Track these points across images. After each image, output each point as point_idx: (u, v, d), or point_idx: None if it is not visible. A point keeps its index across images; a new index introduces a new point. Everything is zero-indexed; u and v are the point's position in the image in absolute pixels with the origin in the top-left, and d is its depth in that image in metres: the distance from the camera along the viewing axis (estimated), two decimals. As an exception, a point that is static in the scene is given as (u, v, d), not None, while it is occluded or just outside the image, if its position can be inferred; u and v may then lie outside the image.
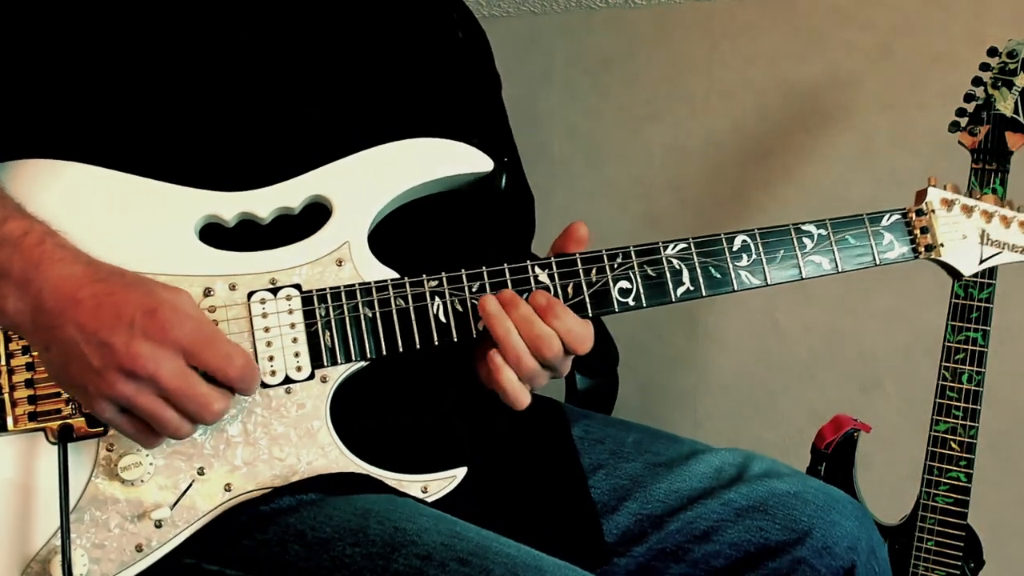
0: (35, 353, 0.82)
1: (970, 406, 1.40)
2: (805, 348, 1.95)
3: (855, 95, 1.85)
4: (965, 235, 1.00)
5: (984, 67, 1.37)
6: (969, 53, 1.45)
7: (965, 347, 1.40)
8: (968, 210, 1.00)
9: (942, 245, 0.99)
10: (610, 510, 1.01)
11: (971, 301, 1.39)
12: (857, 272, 1.95)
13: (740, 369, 2.02)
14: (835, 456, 1.52)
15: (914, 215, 0.99)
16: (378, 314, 0.87)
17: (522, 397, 0.88)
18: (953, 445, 1.41)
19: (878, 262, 0.98)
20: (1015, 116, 1.35)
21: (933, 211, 0.99)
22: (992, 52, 1.37)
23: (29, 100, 0.85)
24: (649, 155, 2.07)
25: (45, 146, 0.85)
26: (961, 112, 1.38)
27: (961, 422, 1.41)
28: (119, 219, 0.84)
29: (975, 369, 1.39)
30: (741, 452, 1.06)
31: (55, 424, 0.82)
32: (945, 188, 1.01)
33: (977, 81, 1.37)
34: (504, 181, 0.97)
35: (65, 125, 0.86)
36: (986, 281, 1.38)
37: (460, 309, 0.88)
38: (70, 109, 0.86)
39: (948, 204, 1.00)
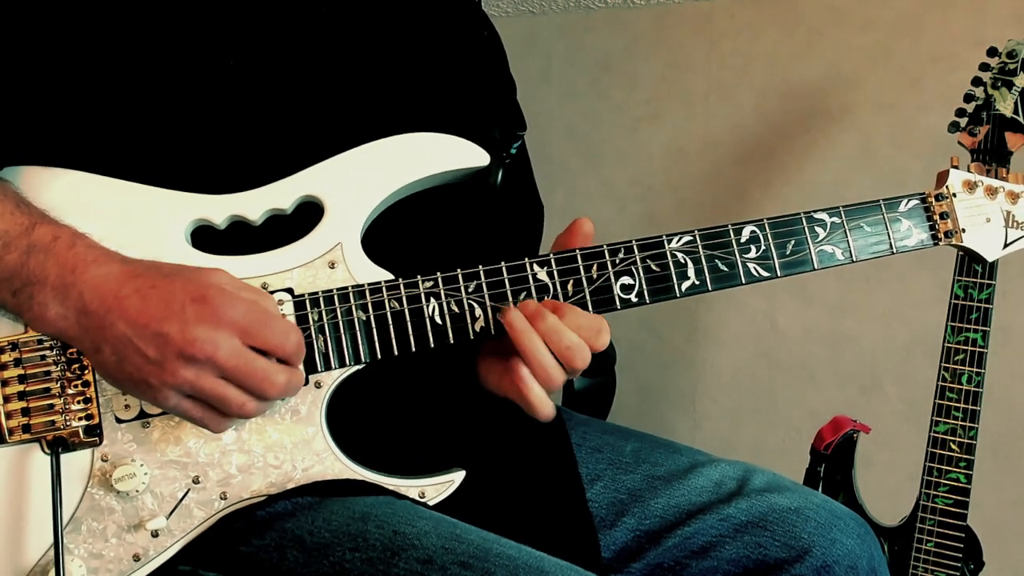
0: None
1: (970, 407, 1.40)
2: (804, 349, 1.94)
3: (855, 95, 1.84)
4: (989, 218, 0.96)
5: (984, 67, 1.37)
6: (969, 53, 1.45)
7: (965, 348, 1.39)
8: (992, 191, 0.96)
9: (963, 230, 0.95)
10: (608, 525, 1.00)
11: (971, 302, 1.38)
12: (857, 272, 1.96)
13: (739, 370, 2.01)
14: (834, 457, 1.52)
15: (934, 200, 0.95)
16: (372, 317, 0.86)
17: (549, 408, 0.87)
18: (953, 446, 1.41)
19: (895, 250, 0.94)
20: (1015, 116, 1.34)
21: (954, 194, 0.95)
22: (992, 52, 1.36)
23: (17, 106, 0.84)
24: (648, 155, 2.07)
25: (31, 152, 0.84)
26: (961, 112, 1.37)
27: (961, 423, 1.40)
28: (109, 226, 0.83)
29: (975, 370, 1.39)
30: (742, 465, 1.04)
31: (50, 435, 0.82)
32: (969, 169, 0.96)
33: (977, 81, 1.37)
34: (500, 177, 0.95)
35: (52, 129, 0.86)
36: (986, 282, 1.37)
37: (456, 310, 0.87)
38: (56, 113, 0.86)
39: (971, 186, 0.95)
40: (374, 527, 0.80)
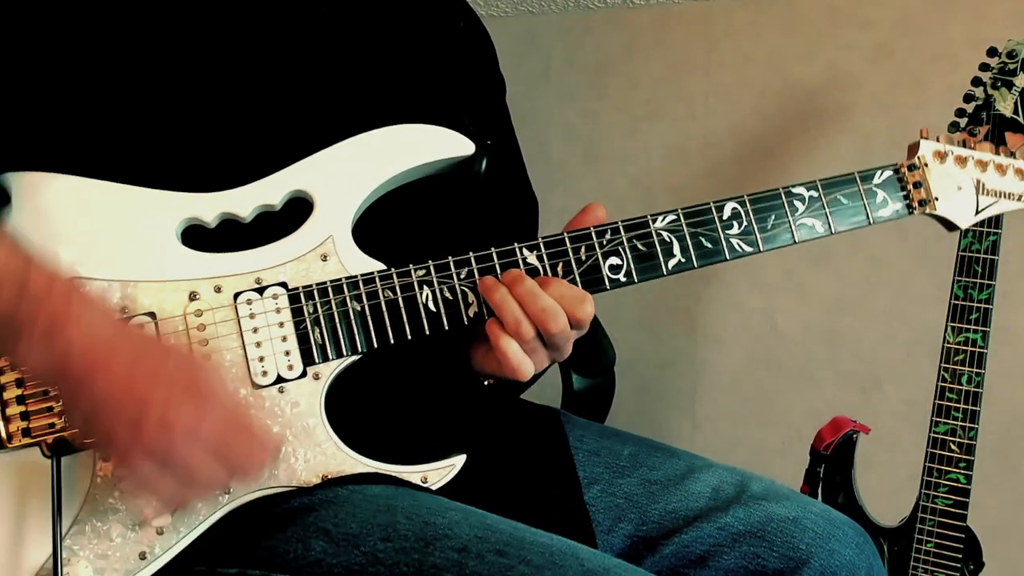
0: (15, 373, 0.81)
1: (969, 407, 1.40)
2: (804, 349, 1.94)
3: (854, 95, 1.84)
4: (960, 186, 0.99)
5: (984, 67, 1.37)
6: (969, 53, 1.45)
7: (964, 348, 1.39)
8: (962, 161, 0.99)
9: (936, 199, 0.98)
10: (605, 530, 0.99)
11: (970, 302, 1.38)
12: (856, 272, 1.95)
13: (739, 370, 2.01)
14: (834, 458, 1.52)
15: (906, 170, 0.98)
16: (367, 307, 0.87)
17: (525, 366, 0.87)
18: (952, 446, 1.41)
19: (872, 221, 0.96)
20: (1015, 116, 1.34)
21: (926, 164, 0.98)
22: (992, 52, 1.36)
23: (9, 109, 0.84)
24: (647, 156, 2.07)
25: (23, 156, 0.84)
26: (961, 112, 1.37)
27: (960, 423, 1.40)
28: (101, 229, 0.83)
29: (975, 370, 1.39)
30: (739, 471, 1.03)
31: (50, 438, 0.81)
32: (938, 140, 0.99)
33: (977, 81, 1.37)
34: (484, 165, 0.96)
35: (41, 132, 0.85)
36: (985, 282, 1.38)
37: (449, 297, 0.88)
38: (44, 115, 0.85)
39: (941, 156, 0.98)
40: (403, 518, 0.80)
